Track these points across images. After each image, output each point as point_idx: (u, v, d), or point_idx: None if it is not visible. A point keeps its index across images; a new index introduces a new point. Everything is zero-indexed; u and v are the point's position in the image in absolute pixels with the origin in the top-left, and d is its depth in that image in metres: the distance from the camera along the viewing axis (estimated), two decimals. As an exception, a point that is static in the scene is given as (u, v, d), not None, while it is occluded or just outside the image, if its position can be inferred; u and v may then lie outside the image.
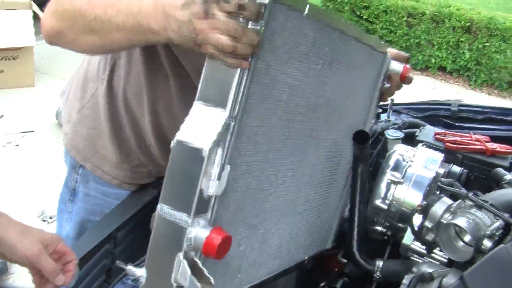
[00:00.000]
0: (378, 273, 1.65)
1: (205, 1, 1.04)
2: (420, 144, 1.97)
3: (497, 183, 1.81)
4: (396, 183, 1.69)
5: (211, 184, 1.09)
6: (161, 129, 1.66)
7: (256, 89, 1.15)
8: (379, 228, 1.78)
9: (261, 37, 1.07)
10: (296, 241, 1.63)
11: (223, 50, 1.05)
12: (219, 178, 1.10)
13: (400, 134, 2.06)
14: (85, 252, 1.50)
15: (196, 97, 1.11)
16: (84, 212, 1.83)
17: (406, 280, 1.46)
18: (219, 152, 1.09)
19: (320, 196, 1.67)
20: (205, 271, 1.09)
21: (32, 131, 5.09)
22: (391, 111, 2.33)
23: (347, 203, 1.81)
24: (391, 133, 2.06)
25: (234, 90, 1.08)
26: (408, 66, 1.73)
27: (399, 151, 1.77)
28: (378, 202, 1.72)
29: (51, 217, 3.79)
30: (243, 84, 1.09)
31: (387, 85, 1.76)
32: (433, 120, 2.46)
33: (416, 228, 1.49)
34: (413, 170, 1.71)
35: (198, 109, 1.10)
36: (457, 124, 2.46)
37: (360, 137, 1.61)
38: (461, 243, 1.42)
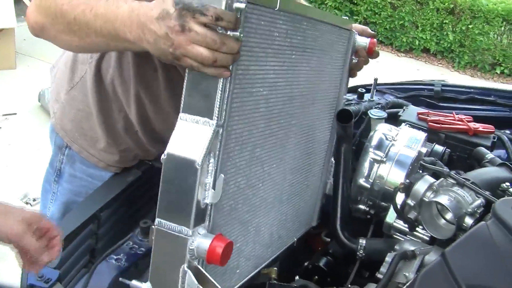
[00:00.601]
0: (361, 251, 1.66)
1: (180, 15, 1.03)
2: (403, 124, 1.98)
3: (479, 162, 1.83)
4: (379, 162, 1.70)
5: (207, 193, 1.11)
6: (147, 119, 1.65)
7: (238, 93, 1.15)
8: (362, 207, 1.79)
9: (240, 43, 1.06)
10: (285, 227, 1.65)
11: (203, 62, 1.04)
12: (214, 187, 1.12)
13: (383, 114, 2.07)
14: (69, 232, 1.50)
15: (181, 109, 1.10)
16: (69, 193, 1.82)
17: (388, 258, 1.48)
18: (212, 161, 1.10)
19: (303, 179, 1.69)
20: (210, 278, 1.10)
21: (15, 114, 5.05)
22: (375, 91, 2.33)
23: (327, 180, 1.83)
24: (374, 113, 2.06)
25: (219, 99, 1.08)
26: (374, 40, 1.74)
27: (382, 130, 1.78)
28: (361, 181, 1.73)
29: (34, 200, 3.79)
30: (226, 91, 1.09)
31: (355, 61, 1.77)
32: (416, 100, 2.47)
33: (398, 207, 1.50)
34: (396, 149, 1.72)
35: (185, 120, 1.10)
36: (440, 104, 2.47)
37: (343, 116, 1.62)
38: (443, 221, 1.43)
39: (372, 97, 2.30)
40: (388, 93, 2.48)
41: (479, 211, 1.39)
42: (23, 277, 1.41)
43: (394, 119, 2.10)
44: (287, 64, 1.37)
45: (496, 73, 9.40)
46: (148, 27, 1.07)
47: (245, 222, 1.37)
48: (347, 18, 1.69)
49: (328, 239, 1.93)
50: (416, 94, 2.51)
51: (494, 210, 1.22)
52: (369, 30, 1.79)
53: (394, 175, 1.68)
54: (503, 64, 9.34)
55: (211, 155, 1.10)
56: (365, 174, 1.72)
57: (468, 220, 1.38)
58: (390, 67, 7.83)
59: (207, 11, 1.01)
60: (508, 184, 1.49)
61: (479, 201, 1.40)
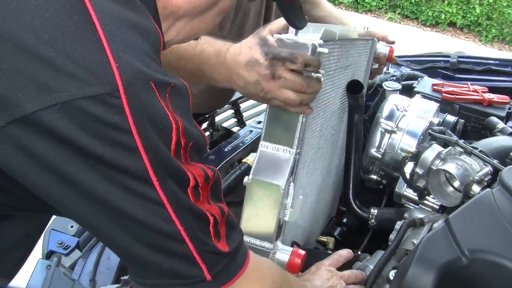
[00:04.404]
0: (372, 220, 1.68)
1: (271, 64, 1.10)
2: (416, 95, 1.98)
3: (490, 131, 1.83)
4: (390, 132, 1.72)
5: (287, 212, 1.26)
6: None
7: (307, 121, 1.27)
8: (374, 177, 1.81)
9: (322, 83, 1.17)
10: (318, 222, 1.80)
11: (290, 104, 1.14)
12: (292, 206, 1.26)
13: (398, 86, 2.07)
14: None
15: (262, 137, 1.24)
16: None
17: (397, 226, 1.50)
18: (291, 184, 1.24)
19: (333, 178, 1.84)
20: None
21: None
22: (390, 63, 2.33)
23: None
24: (389, 85, 2.07)
25: (299, 131, 1.22)
26: (393, 47, 1.88)
27: (393, 101, 1.79)
28: (373, 151, 1.75)
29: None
30: (304, 123, 1.23)
31: (375, 66, 1.91)
32: (433, 72, 2.47)
33: (407, 175, 1.51)
34: (407, 119, 1.74)
35: (266, 148, 1.24)
36: (456, 75, 2.46)
37: (353, 87, 1.63)
38: (450, 189, 1.44)
39: (388, 69, 2.30)
40: (404, 65, 2.47)
41: (486, 179, 1.39)
42: (44, 244, 1.47)
43: (409, 91, 2.10)
44: (335, 83, 1.50)
45: (525, 46, 9.24)
46: (236, 72, 1.15)
47: (298, 226, 1.51)
48: (368, 27, 1.80)
49: (344, 209, 1.96)
50: (432, 66, 2.50)
51: (501, 177, 1.24)
52: (389, 38, 1.89)
53: (405, 145, 1.70)
54: (531, 37, 9.18)
55: (291, 179, 1.23)
56: (376, 144, 1.74)
57: (476, 188, 1.38)
58: (415, 42, 7.75)
59: (296, 59, 1.10)
60: (517, 152, 1.49)
61: (487, 169, 1.40)
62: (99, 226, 0.76)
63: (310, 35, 1.15)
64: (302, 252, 1.24)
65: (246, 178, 1.22)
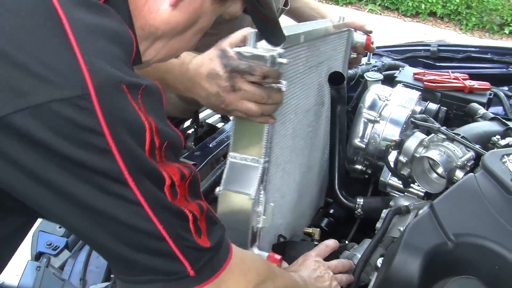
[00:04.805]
0: (359, 210, 1.70)
1: (230, 77, 1.11)
2: (398, 84, 2.00)
3: (472, 117, 1.85)
4: (373, 121, 1.73)
5: (259, 219, 1.28)
6: None
7: (275, 128, 1.29)
8: (359, 167, 1.82)
9: (284, 93, 1.18)
10: (304, 215, 1.83)
11: (251, 115, 1.16)
12: (265, 213, 1.28)
13: (379, 76, 2.09)
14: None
15: (230, 148, 1.26)
16: None
17: (383, 214, 1.51)
18: (262, 192, 1.26)
19: (317, 173, 1.85)
20: None
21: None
22: (371, 54, 2.35)
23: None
24: (370, 75, 2.08)
25: (265, 140, 1.23)
26: (371, 36, 1.90)
27: (374, 90, 1.80)
28: (356, 141, 1.76)
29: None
30: (270, 132, 1.24)
31: (353, 55, 1.92)
32: (414, 61, 2.49)
33: (391, 164, 1.53)
34: (390, 108, 1.75)
35: (235, 159, 1.26)
36: (437, 64, 2.48)
37: (335, 79, 1.65)
38: (434, 175, 1.46)
39: (369, 60, 2.32)
40: (385, 56, 2.49)
41: (469, 164, 1.41)
42: (32, 245, 1.47)
43: (390, 81, 2.12)
44: (306, 84, 1.50)
45: (505, 33, 9.30)
46: (198, 83, 1.16)
47: (278, 225, 1.53)
48: (344, 17, 1.80)
49: (331, 200, 1.97)
50: (413, 55, 2.52)
51: (483, 161, 1.25)
52: (366, 27, 1.89)
53: (388, 134, 1.72)
54: (511, 24, 9.24)
55: (261, 187, 1.25)
56: (360, 134, 1.76)
57: (459, 173, 1.40)
58: (397, 33, 7.79)
59: (254, 72, 1.11)
60: (498, 137, 1.51)
61: (469, 154, 1.42)
62: (78, 227, 0.77)
63: (270, 45, 1.16)
64: (278, 256, 1.26)
65: (217, 189, 1.25)
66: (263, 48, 1.14)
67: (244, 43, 1.15)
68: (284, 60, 1.14)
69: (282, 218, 1.54)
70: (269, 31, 1.06)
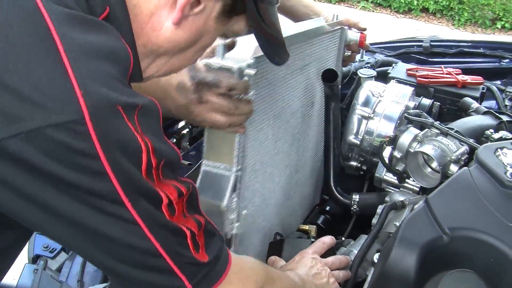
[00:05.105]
0: (355, 206, 1.70)
1: (197, 88, 1.12)
2: (392, 80, 2.00)
3: (465, 112, 1.86)
4: (367, 118, 1.74)
5: (233, 226, 1.28)
6: None
7: (251, 134, 1.29)
8: (354, 163, 1.83)
9: (252, 103, 1.18)
10: (294, 215, 1.82)
11: (220, 126, 1.16)
12: (238, 220, 1.28)
13: (373, 73, 2.09)
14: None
15: (203, 156, 1.26)
16: None
17: (379, 210, 1.52)
18: (235, 200, 1.26)
19: (308, 174, 1.85)
20: None
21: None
22: (364, 51, 2.35)
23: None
24: (364, 72, 2.09)
25: (237, 149, 1.23)
26: (365, 33, 1.88)
27: (368, 87, 1.81)
28: (351, 138, 1.77)
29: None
30: (242, 141, 1.24)
31: (347, 53, 1.91)
32: (407, 57, 2.49)
33: (386, 160, 1.53)
34: (383, 104, 1.76)
35: (207, 166, 1.26)
36: (430, 59, 2.48)
37: (328, 76, 1.65)
38: (429, 170, 1.47)
39: (362, 57, 2.32)
40: (378, 52, 2.50)
41: (463, 158, 1.41)
42: (29, 248, 1.47)
43: (384, 77, 2.12)
44: (290, 86, 1.48)
45: (497, 28, 9.33)
46: (169, 94, 1.16)
47: (261, 228, 1.53)
48: (337, 15, 1.80)
49: (327, 197, 1.98)
50: (406, 51, 2.53)
51: (477, 155, 1.26)
52: (360, 25, 1.90)
53: (383, 130, 1.72)
54: (503, 19, 9.27)
55: (234, 195, 1.25)
56: (354, 131, 1.76)
57: (453, 168, 1.41)
58: (389, 29, 7.80)
59: (220, 84, 1.11)
60: (492, 130, 1.51)
61: (463, 148, 1.42)
62: (75, 245, 0.78)
63: (241, 55, 1.15)
64: None
65: None
66: (232, 59, 1.14)
67: (212, 54, 1.15)
68: (252, 72, 1.14)
69: (266, 221, 1.54)
70: (273, 51, 1.05)
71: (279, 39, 1.02)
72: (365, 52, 2.36)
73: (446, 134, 1.46)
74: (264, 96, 1.33)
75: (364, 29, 1.90)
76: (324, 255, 1.40)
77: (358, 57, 2.35)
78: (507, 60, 2.43)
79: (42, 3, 0.69)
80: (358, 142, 1.76)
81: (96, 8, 0.77)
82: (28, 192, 0.68)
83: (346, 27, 1.84)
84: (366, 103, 1.76)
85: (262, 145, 1.40)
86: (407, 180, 1.58)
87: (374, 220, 1.51)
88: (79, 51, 0.69)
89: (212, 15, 0.89)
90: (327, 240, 1.45)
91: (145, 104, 0.76)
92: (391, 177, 1.64)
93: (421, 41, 2.56)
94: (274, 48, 1.04)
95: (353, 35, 1.87)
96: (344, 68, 2.20)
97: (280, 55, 1.07)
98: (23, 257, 1.44)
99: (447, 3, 9.42)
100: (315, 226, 1.65)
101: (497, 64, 2.42)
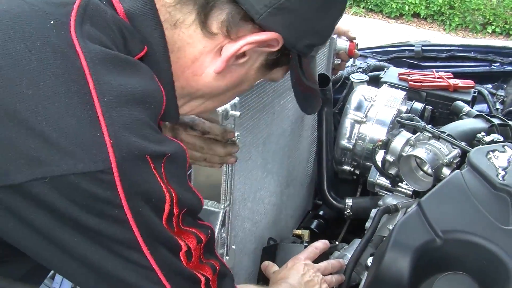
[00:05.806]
0: (348, 210, 1.71)
1: (173, 128, 1.13)
2: (384, 85, 2.01)
3: (457, 115, 1.86)
4: (359, 122, 1.74)
5: (223, 260, 1.24)
6: None
7: (237, 167, 1.27)
8: (347, 167, 1.83)
9: (231, 148, 1.16)
10: (286, 226, 1.81)
11: (196, 161, 1.16)
12: (227, 254, 1.28)
13: (365, 77, 2.10)
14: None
15: None
16: None
17: (372, 213, 1.52)
18: (223, 235, 1.26)
19: (298, 188, 1.84)
20: None
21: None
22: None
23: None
24: (356, 77, 2.09)
25: (224, 186, 1.23)
26: (355, 42, 1.86)
27: (360, 91, 1.81)
28: (344, 142, 1.77)
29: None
30: (229, 176, 1.23)
31: (337, 61, 1.90)
32: (398, 61, 2.50)
33: (379, 164, 1.54)
34: (376, 109, 1.76)
35: None
36: (421, 63, 2.49)
37: (320, 81, 1.65)
38: (421, 173, 1.47)
39: (354, 62, 2.33)
40: (370, 57, 2.51)
41: (455, 162, 1.42)
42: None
43: (376, 82, 2.13)
44: (276, 111, 1.47)
45: (488, 32, 9.37)
46: None
47: (252, 250, 1.54)
48: None
49: (321, 202, 1.98)
50: (398, 56, 2.53)
51: (469, 158, 1.27)
52: (350, 33, 1.88)
53: (375, 134, 1.73)
54: (494, 23, 9.32)
55: (222, 230, 1.25)
56: (347, 135, 1.77)
57: (446, 171, 1.41)
58: (381, 35, 7.82)
59: (196, 126, 1.12)
60: (483, 133, 1.52)
61: (455, 152, 1.43)
62: (88, 285, 0.76)
63: None
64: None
65: None
66: None
67: None
68: (237, 113, 1.14)
69: (256, 243, 1.55)
70: (307, 102, 1.04)
71: (315, 91, 1.01)
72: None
73: (438, 138, 1.46)
74: (251, 127, 1.32)
75: (354, 38, 1.89)
76: (317, 259, 1.40)
77: (350, 62, 2.36)
78: (498, 64, 2.43)
79: (77, 41, 0.67)
80: (351, 147, 1.76)
81: (133, 47, 0.77)
82: (46, 231, 0.67)
83: (335, 36, 1.83)
84: (358, 108, 1.77)
85: (251, 173, 1.39)
86: (400, 183, 1.59)
87: (368, 224, 1.51)
88: (111, 96, 0.67)
89: (254, 65, 0.89)
90: (320, 245, 1.45)
91: (173, 152, 0.74)
92: (384, 181, 1.65)
93: (413, 45, 2.57)
94: (309, 99, 1.03)
95: (342, 43, 1.85)
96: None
97: (312, 106, 1.07)
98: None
99: (438, 8, 9.46)
100: (308, 230, 1.65)
101: (488, 68, 2.43)
